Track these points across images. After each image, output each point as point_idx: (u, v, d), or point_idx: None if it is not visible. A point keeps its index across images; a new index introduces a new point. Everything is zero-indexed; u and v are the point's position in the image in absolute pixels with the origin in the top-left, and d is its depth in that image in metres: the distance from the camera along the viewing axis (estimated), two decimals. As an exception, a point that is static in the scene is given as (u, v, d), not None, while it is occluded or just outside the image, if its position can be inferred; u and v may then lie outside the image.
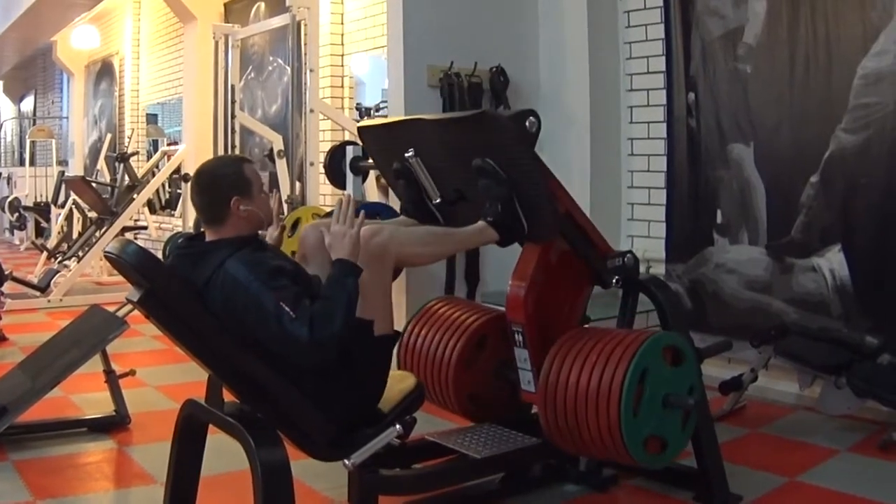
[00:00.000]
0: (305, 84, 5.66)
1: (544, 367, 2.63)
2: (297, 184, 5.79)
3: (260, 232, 2.48)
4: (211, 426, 2.42)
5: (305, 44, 5.72)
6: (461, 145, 2.70)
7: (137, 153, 9.79)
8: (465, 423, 3.03)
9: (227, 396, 2.34)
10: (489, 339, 3.00)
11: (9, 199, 13.00)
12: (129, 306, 2.38)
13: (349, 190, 4.94)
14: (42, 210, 11.82)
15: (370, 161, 5.20)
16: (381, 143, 3.10)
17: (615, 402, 2.43)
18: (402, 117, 3.31)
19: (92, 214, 8.67)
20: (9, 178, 14.24)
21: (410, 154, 2.80)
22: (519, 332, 2.72)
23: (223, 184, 2.31)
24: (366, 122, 3.39)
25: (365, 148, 3.26)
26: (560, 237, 2.76)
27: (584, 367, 2.54)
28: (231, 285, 2.17)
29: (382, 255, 2.39)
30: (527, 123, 2.54)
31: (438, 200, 2.85)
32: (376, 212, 3.95)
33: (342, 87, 7.18)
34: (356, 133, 6.05)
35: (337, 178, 5.21)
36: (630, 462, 2.54)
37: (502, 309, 2.86)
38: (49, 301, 7.09)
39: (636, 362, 2.46)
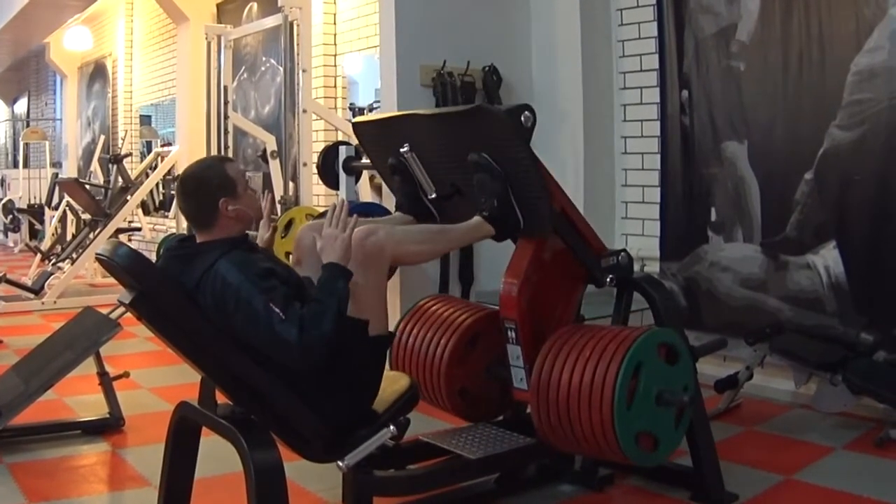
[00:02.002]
0: (298, 84, 5.64)
1: (537, 363, 2.62)
2: (291, 184, 5.77)
3: (250, 233, 2.46)
4: (205, 428, 2.41)
5: (298, 44, 5.71)
6: (456, 140, 2.69)
7: (131, 155, 9.76)
8: (459, 424, 3.02)
9: (221, 398, 2.33)
10: (482, 337, 2.98)
11: (3, 202, 12.99)
12: (123, 308, 2.36)
13: (342, 190, 4.93)
14: (36, 212, 11.81)
15: (363, 161, 5.19)
16: (376, 139, 3.09)
17: (609, 394, 2.42)
18: (397, 112, 3.29)
19: (86, 216, 8.66)
20: (2, 181, 14.23)
21: (406, 149, 2.79)
22: (512, 329, 2.70)
23: (209, 186, 2.30)
24: (360, 118, 3.37)
25: (360, 143, 3.24)
26: (554, 235, 2.75)
27: (578, 361, 2.53)
28: (222, 286, 2.16)
29: (379, 255, 2.38)
30: (522, 118, 2.53)
31: (434, 195, 2.84)
32: (369, 211, 3.94)
33: (335, 87, 7.16)
34: (350, 132, 6.11)
35: (330, 179, 5.20)
36: (621, 458, 2.52)
37: (495, 307, 2.85)
38: (43, 303, 7.08)
39: (631, 355, 2.45)
